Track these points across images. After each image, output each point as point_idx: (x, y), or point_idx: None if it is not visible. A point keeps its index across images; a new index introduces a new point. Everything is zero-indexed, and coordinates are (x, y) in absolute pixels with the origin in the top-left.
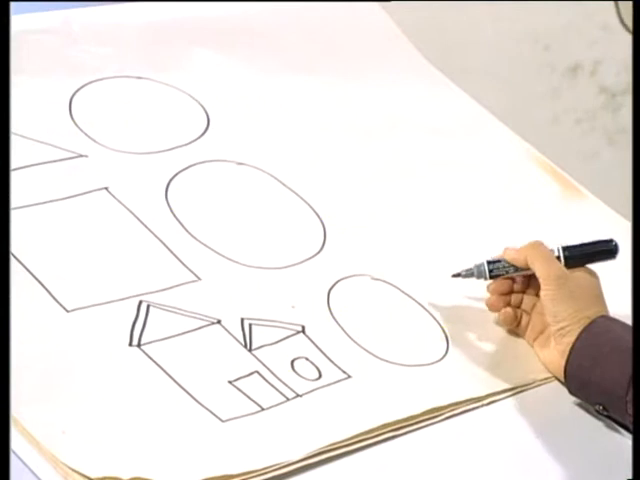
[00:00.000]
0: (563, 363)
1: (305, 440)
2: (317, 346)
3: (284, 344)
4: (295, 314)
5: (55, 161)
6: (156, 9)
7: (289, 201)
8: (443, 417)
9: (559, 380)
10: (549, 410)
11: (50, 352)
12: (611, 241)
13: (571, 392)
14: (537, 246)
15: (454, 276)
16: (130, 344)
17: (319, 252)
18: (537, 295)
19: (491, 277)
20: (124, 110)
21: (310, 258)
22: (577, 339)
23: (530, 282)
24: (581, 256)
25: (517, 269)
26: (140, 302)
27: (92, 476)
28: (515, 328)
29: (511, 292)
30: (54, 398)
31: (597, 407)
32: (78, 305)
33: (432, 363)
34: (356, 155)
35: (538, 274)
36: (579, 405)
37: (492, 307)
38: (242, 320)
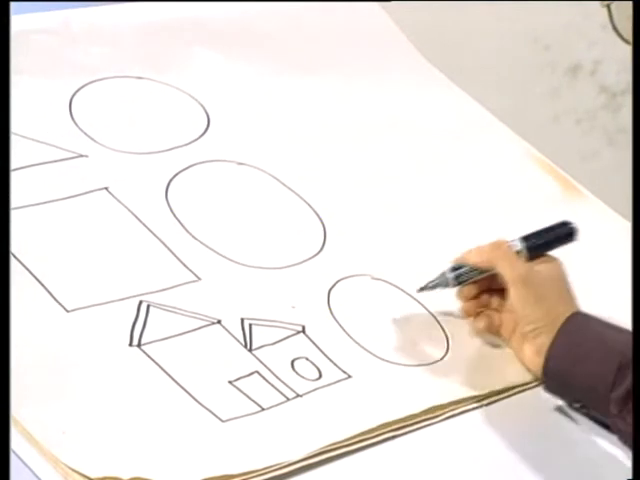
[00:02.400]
0: (539, 361)
1: (305, 440)
2: (317, 346)
3: (284, 344)
4: (295, 314)
5: (55, 161)
6: (156, 9)
7: (289, 201)
8: (443, 417)
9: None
10: (549, 410)
11: (50, 352)
12: (568, 224)
13: (548, 390)
14: (499, 246)
15: (420, 290)
16: (130, 344)
17: (319, 252)
18: (504, 292)
19: (457, 284)
20: (124, 110)
21: (310, 258)
22: (555, 338)
23: (496, 279)
24: (542, 244)
25: (482, 272)
26: (140, 302)
27: (92, 476)
28: (490, 329)
29: (481, 293)
30: (54, 398)
31: (577, 404)
32: (78, 305)
33: (432, 363)
34: (356, 155)
35: (504, 276)
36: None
37: (467, 313)
38: (242, 320)
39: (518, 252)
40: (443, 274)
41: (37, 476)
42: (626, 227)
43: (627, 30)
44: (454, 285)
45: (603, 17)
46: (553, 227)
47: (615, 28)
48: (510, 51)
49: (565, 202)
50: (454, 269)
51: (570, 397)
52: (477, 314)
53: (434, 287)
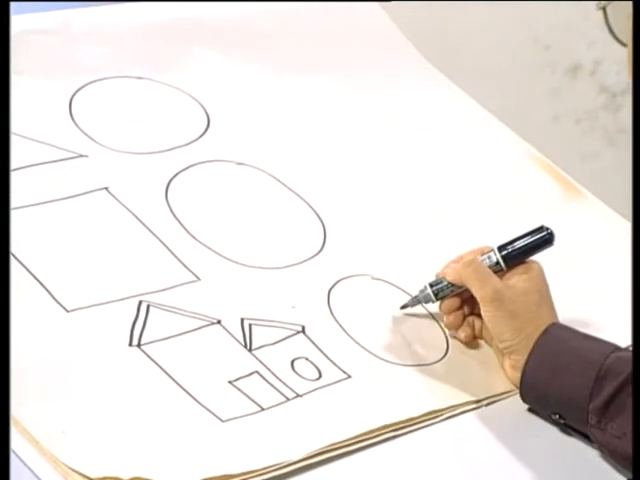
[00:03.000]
0: (517, 375)
1: (305, 440)
2: (317, 346)
3: (284, 344)
4: (295, 314)
5: (55, 161)
6: (156, 9)
7: (289, 201)
8: (443, 417)
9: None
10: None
11: (50, 352)
12: (545, 229)
13: (526, 402)
14: (470, 265)
15: (402, 307)
16: (130, 344)
17: (319, 252)
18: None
19: (438, 299)
20: (124, 110)
21: (310, 258)
22: (531, 351)
23: None
24: (519, 253)
25: (460, 287)
26: (140, 302)
27: (92, 476)
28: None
29: (463, 303)
30: (54, 398)
31: (554, 417)
32: (78, 305)
33: (432, 363)
34: (356, 155)
35: (477, 295)
36: None
37: (452, 326)
38: (242, 320)
39: (497, 263)
40: (424, 290)
41: (37, 476)
42: (626, 227)
43: (623, 32)
44: (435, 300)
45: (603, 17)
46: (530, 233)
47: (611, 30)
48: (510, 51)
49: (565, 202)
50: (433, 284)
51: (548, 409)
52: (460, 325)
53: (416, 303)
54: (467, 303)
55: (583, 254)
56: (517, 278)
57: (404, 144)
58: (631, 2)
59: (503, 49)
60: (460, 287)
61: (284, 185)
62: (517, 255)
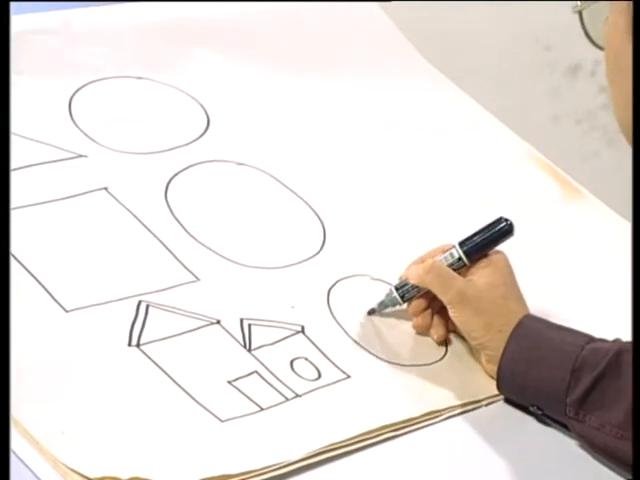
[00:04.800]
0: (492, 368)
1: (304, 440)
2: (317, 346)
3: (283, 344)
4: (295, 314)
5: (55, 161)
6: (156, 9)
7: (289, 201)
8: (442, 418)
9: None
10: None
11: (49, 352)
12: (504, 221)
13: (504, 394)
14: (431, 269)
15: (370, 313)
16: (129, 344)
17: (319, 252)
18: None
19: (405, 301)
20: (124, 110)
21: (310, 258)
22: (506, 345)
23: None
24: (481, 246)
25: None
26: (139, 302)
27: (91, 476)
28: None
29: (430, 302)
30: (54, 398)
31: (532, 408)
32: (77, 305)
33: (432, 363)
34: (356, 155)
35: (440, 299)
36: None
37: (421, 328)
38: (241, 320)
39: (459, 259)
40: (389, 293)
41: (37, 476)
42: (626, 227)
43: (600, 36)
44: (402, 303)
45: (579, 21)
46: (489, 225)
47: (587, 34)
48: (510, 51)
49: (565, 202)
50: (399, 287)
51: (526, 401)
52: (430, 324)
53: (383, 307)
54: (435, 301)
55: (583, 254)
56: (480, 273)
57: (404, 144)
58: (608, 6)
59: (503, 49)
60: (425, 288)
61: (284, 185)
62: (478, 249)
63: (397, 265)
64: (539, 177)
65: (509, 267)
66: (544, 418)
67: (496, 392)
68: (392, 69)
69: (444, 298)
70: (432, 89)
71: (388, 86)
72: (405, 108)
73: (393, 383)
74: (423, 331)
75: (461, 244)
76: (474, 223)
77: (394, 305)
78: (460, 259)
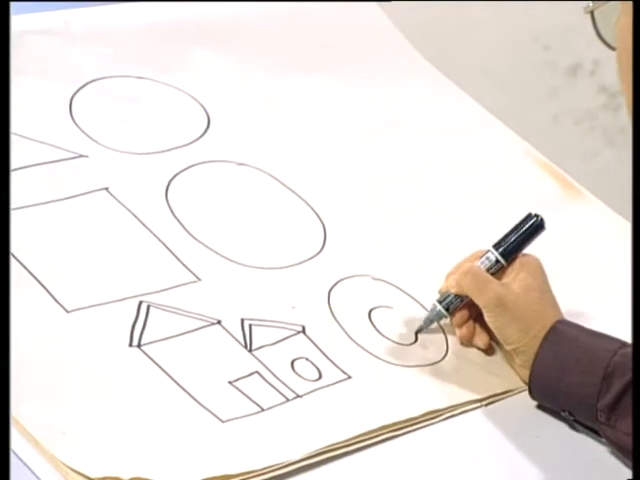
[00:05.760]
0: (526, 372)
1: (305, 440)
2: (317, 346)
3: (284, 344)
4: (295, 314)
5: (55, 161)
6: (156, 9)
7: (289, 201)
8: (442, 418)
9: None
10: (548, 410)
11: (50, 352)
12: (534, 216)
13: (535, 400)
14: (467, 273)
15: (418, 332)
16: (130, 344)
17: (319, 252)
18: None
19: (450, 313)
20: (124, 110)
21: (310, 258)
22: (538, 351)
23: None
24: (515, 246)
25: (464, 297)
26: (140, 302)
27: (92, 476)
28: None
29: (472, 310)
30: (54, 398)
31: (564, 413)
32: (78, 305)
33: (432, 364)
34: (356, 155)
35: (478, 302)
36: None
37: (467, 337)
38: (242, 320)
39: (496, 261)
40: (434, 308)
41: (37, 476)
42: (626, 227)
43: (611, 36)
44: (448, 315)
45: (591, 21)
46: (521, 223)
47: (599, 34)
48: (510, 51)
49: (565, 202)
50: (442, 301)
51: (558, 407)
52: (473, 333)
53: (430, 323)
54: (475, 308)
55: (582, 254)
56: (515, 276)
57: (403, 144)
58: (619, 6)
59: (503, 49)
60: (467, 296)
61: (284, 185)
62: (514, 248)
63: (398, 265)
64: (539, 177)
65: (542, 271)
66: (575, 424)
67: (496, 392)
68: (392, 69)
69: (481, 302)
70: (432, 89)
71: (388, 86)
72: (404, 108)
73: (393, 383)
74: (468, 341)
75: (496, 246)
76: (474, 223)
77: (440, 319)
78: (498, 261)
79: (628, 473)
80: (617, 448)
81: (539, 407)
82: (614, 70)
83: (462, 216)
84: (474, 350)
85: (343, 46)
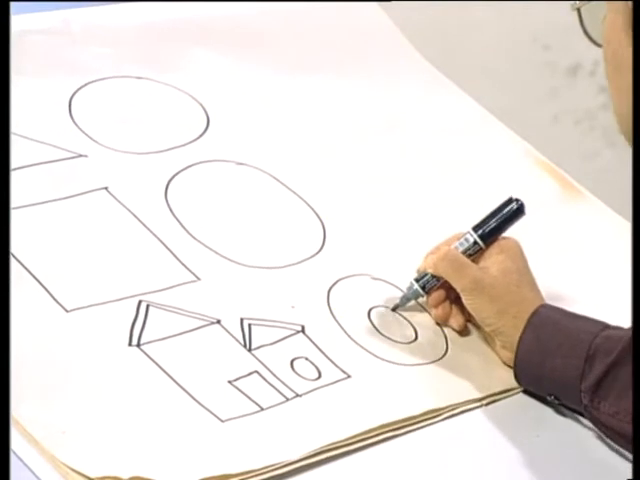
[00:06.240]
0: (508, 354)
1: (304, 440)
2: (317, 346)
3: (284, 344)
4: (295, 314)
5: (55, 161)
6: (156, 9)
7: (289, 201)
8: (442, 417)
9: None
10: (548, 410)
11: (50, 352)
12: (515, 200)
13: (520, 385)
14: (445, 257)
15: (394, 309)
16: (130, 344)
17: (319, 252)
18: None
19: (426, 292)
20: (124, 110)
21: (310, 258)
22: (522, 334)
23: None
24: (494, 229)
25: (441, 277)
26: (139, 302)
27: (92, 476)
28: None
29: (449, 292)
30: (54, 398)
31: (550, 397)
32: (77, 305)
33: (432, 362)
34: (356, 155)
35: (454, 287)
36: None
37: (442, 318)
38: (242, 320)
39: (474, 243)
40: (410, 287)
41: (37, 476)
42: (626, 227)
43: (597, 33)
44: (424, 294)
45: (577, 18)
46: (500, 207)
47: (585, 32)
48: (510, 51)
49: (565, 202)
50: (419, 279)
51: (543, 391)
52: (449, 315)
53: (406, 301)
54: (452, 290)
55: (582, 254)
56: (494, 259)
57: (403, 144)
58: (605, 5)
59: (503, 49)
60: (442, 278)
61: (284, 185)
62: (492, 231)
63: (397, 265)
64: (539, 177)
65: (522, 254)
66: (561, 408)
67: (496, 391)
68: (392, 69)
69: (458, 285)
70: (432, 89)
71: (388, 86)
72: (405, 108)
73: (393, 382)
74: (443, 322)
75: (475, 228)
76: (473, 222)
77: (416, 297)
78: (476, 243)
79: (628, 473)
80: (602, 429)
81: (539, 407)
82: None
83: (462, 216)
84: (474, 350)
85: (343, 46)
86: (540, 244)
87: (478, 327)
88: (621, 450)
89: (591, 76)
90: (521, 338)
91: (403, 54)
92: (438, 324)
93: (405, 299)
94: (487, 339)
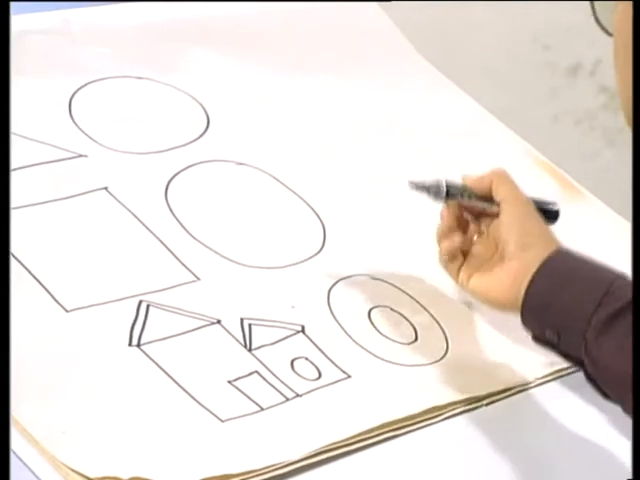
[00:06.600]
0: (515, 289)
1: (305, 440)
2: (317, 346)
3: (284, 344)
4: (295, 314)
5: (55, 161)
6: (156, 9)
7: (289, 201)
8: (443, 417)
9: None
10: (549, 410)
11: (50, 352)
12: (554, 204)
13: (524, 310)
14: (503, 173)
15: (411, 185)
16: (130, 344)
17: (319, 252)
18: (479, 231)
19: (447, 197)
20: (124, 110)
21: (310, 258)
22: (544, 262)
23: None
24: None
25: (473, 196)
26: (140, 302)
27: (92, 476)
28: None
29: (460, 224)
30: (54, 398)
31: (549, 333)
32: (77, 305)
33: (431, 363)
34: (356, 155)
35: (505, 196)
36: (579, 406)
37: (446, 250)
38: (242, 320)
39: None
40: (438, 181)
41: (37, 476)
42: (626, 227)
43: (609, 22)
44: (443, 197)
45: (590, 9)
46: (541, 201)
47: (598, 20)
48: (510, 51)
49: (565, 202)
50: (449, 183)
51: (546, 323)
52: (449, 233)
53: (422, 188)
54: (465, 232)
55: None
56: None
57: (403, 144)
58: None
59: (503, 49)
60: (472, 197)
61: (284, 185)
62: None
63: (397, 265)
64: (539, 177)
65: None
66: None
67: (496, 391)
68: (392, 69)
69: (508, 195)
70: (432, 89)
71: (388, 86)
72: (405, 108)
73: (393, 382)
74: (446, 252)
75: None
76: None
77: (435, 193)
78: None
79: (628, 473)
80: (598, 373)
81: (539, 408)
82: (614, 70)
83: None
84: (474, 349)
85: (343, 46)
86: None
87: (439, 320)
88: (621, 451)
89: (591, 76)
90: (542, 265)
91: (403, 54)
92: (438, 324)
93: (427, 187)
94: (474, 279)
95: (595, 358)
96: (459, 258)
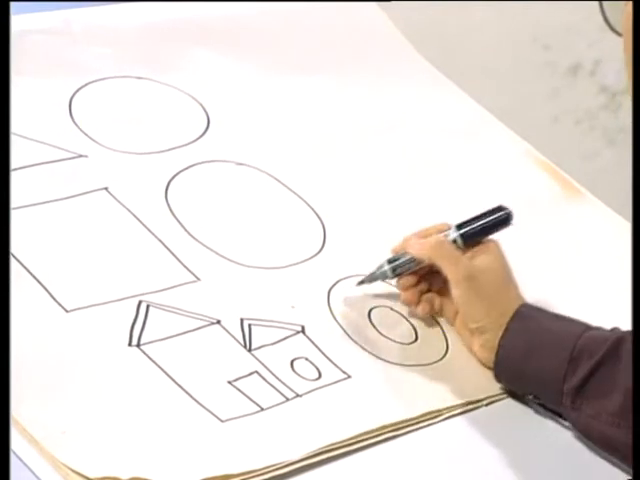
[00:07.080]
0: (487, 355)
1: (305, 440)
2: (317, 346)
3: (284, 344)
4: (295, 314)
5: (55, 161)
6: (156, 9)
7: (289, 201)
8: (442, 417)
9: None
10: (548, 411)
11: (50, 352)
12: (504, 208)
13: (500, 382)
14: (440, 245)
15: (359, 284)
16: (129, 344)
17: (319, 252)
18: (442, 275)
19: (395, 275)
20: (124, 110)
21: (310, 258)
22: (504, 333)
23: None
24: (476, 233)
25: (419, 263)
26: (139, 302)
27: (92, 476)
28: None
29: (421, 279)
30: (54, 398)
31: (529, 397)
32: (77, 305)
33: (432, 363)
34: (356, 155)
35: (446, 276)
36: None
37: (409, 302)
38: (242, 320)
39: (454, 241)
40: (381, 266)
41: (37, 476)
42: (626, 227)
43: (618, 22)
44: (392, 277)
45: (599, 7)
46: (488, 212)
47: (606, 20)
48: (510, 51)
49: (565, 202)
50: (391, 261)
51: (523, 390)
52: (418, 301)
53: (373, 280)
54: (424, 280)
55: (582, 254)
56: (481, 258)
57: (403, 144)
58: None
59: (503, 49)
60: (420, 264)
61: (284, 185)
62: (475, 234)
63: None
64: (539, 177)
65: (503, 255)
66: (540, 409)
67: (496, 392)
68: (392, 69)
69: (452, 275)
70: (432, 89)
71: (388, 86)
72: (404, 108)
73: (393, 383)
74: (409, 304)
75: (458, 227)
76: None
77: (384, 279)
78: (455, 241)
79: (628, 472)
80: (582, 432)
81: (538, 407)
82: (614, 70)
83: (461, 216)
84: None
85: (343, 46)
86: (540, 244)
87: (438, 319)
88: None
89: (591, 76)
90: (503, 336)
91: (403, 54)
92: (438, 324)
93: (372, 277)
94: (464, 339)
95: (576, 421)
96: (444, 302)
